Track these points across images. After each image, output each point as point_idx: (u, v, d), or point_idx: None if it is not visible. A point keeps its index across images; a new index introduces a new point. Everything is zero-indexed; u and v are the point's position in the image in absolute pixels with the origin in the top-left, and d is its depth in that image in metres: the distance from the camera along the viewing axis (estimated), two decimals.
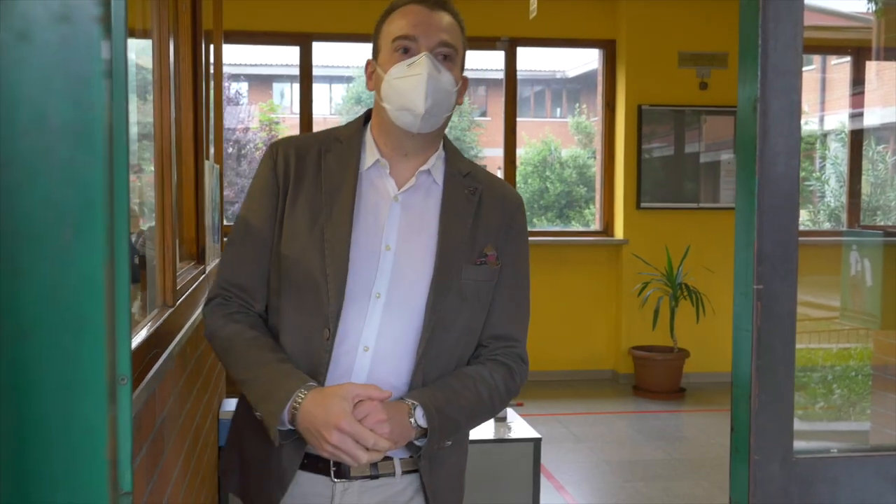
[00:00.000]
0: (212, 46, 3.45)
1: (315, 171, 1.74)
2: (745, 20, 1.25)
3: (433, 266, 1.74)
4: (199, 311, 2.56)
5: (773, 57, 1.22)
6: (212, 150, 3.37)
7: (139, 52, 2.00)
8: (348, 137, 1.79)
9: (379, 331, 1.71)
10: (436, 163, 1.83)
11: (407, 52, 1.75)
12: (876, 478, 1.25)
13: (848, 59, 7.93)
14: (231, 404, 3.40)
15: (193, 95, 2.74)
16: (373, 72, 1.82)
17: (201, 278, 2.75)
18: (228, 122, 11.87)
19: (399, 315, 1.72)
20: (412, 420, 1.66)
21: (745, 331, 1.24)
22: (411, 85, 1.71)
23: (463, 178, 1.83)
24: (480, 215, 1.81)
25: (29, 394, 0.39)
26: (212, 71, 3.38)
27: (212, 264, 3.10)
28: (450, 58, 1.78)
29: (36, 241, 0.39)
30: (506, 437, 3.58)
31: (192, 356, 2.51)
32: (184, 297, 2.27)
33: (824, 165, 10.96)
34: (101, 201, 0.40)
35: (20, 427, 0.39)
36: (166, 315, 1.97)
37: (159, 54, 2.01)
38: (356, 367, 1.71)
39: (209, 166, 3.10)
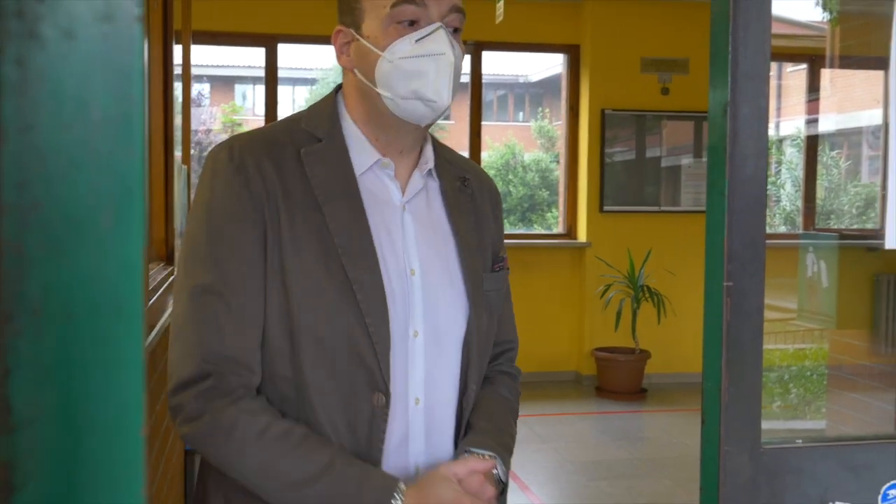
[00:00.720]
0: (180, 47, 3.44)
1: (301, 182, 1.33)
2: (715, 27, 1.29)
3: (463, 286, 1.44)
4: (168, 312, 2.56)
5: (743, 63, 1.26)
6: (178, 152, 3.37)
7: None
8: (328, 133, 1.39)
9: (425, 377, 1.40)
10: (431, 155, 1.49)
11: (414, 24, 1.35)
12: (839, 467, 1.31)
13: (804, 66, 8.08)
14: None
15: (163, 96, 2.74)
16: (349, 44, 1.42)
17: (171, 279, 2.74)
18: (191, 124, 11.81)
19: (438, 352, 1.41)
20: (496, 473, 1.43)
21: (715, 326, 1.29)
22: (430, 69, 1.33)
23: (451, 166, 1.53)
24: (477, 210, 1.53)
25: (72, 373, 0.41)
26: (180, 71, 3.37)
27: None
28: (459, 28, 1.41)
29: (79, 228, 0.42)
30: None
31: (161, 357, 2.51)
32: (155, 297, 2.28)
33: (780, 170, 11.16)
34: (139, 190, 0.43)
35: (64, 407, 0.41)
36: None
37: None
38: (412, 429, 1.39)
39: (178, 167, 3.10)
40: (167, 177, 2.77)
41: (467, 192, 1.53)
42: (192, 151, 12.60)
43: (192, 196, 1.36)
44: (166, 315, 2.55)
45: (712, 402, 1.30)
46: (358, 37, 1.39)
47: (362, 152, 1.40)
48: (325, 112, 1.43)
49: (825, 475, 1.31)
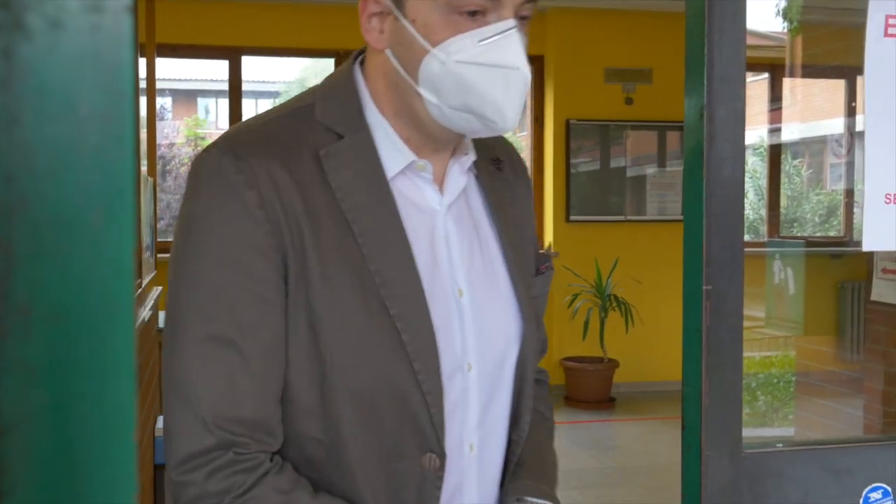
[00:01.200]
0: (144, 60, 3.41)
1: (323, 193, 1.05)
2: (691, 31, 1.30)
3: (514, 299, 1.19)
4: (137, 324, 2.52)
5: (719, 66, 1.27)
6: (143, 165, 3.34)
7: None
8: (350, 127, 1.08)
9: (479, 419, 1.15)
10: (469, 144, 1.19)
11: (477, 15, 1.03)
12: (819, 470, 1.31)
13: (765, 76, 8.19)
14: None
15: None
16: (382, 16, 1.09)
17: (138, 292, 2.71)
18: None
19: (492, 383, 1.16)
20: None
21: (694, 330, 1.29)
22: (497, 84, 1.04)
23: (481, 146, 1.22)
24: (514, 199, 1.27)
25: (62, 375, 0.40)
26: (144, 85, 3.34)
27: (147, 278, 3.05)
28: (529, 17, 1.12)
29: (67, 226, 0.40)
30: None
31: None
32: None
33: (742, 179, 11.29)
34: (129, 188, 0.42)
35: (54, 410, 0.39)
36: None
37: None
38: (466, 481, 1.15)
39: (144, 180, 3.06)
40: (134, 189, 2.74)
41: (502, 177, 1.25)
42: (156, 165, 12.43)
43: (185, 212, 1.07)
44: (137, 325, 2.51)
45: (693, 406, 1.29)
46: (399, 15, 1.06)
47: (393, 151, 1.10)
48: (344, 99, 1.11)
49: (806, 479, 1.31)
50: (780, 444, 1.33)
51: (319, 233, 1.04)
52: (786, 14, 5.93)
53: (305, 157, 1.06)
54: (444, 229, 1.13)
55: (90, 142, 0.42)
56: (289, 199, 1.03)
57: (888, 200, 1.33)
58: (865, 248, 1.34)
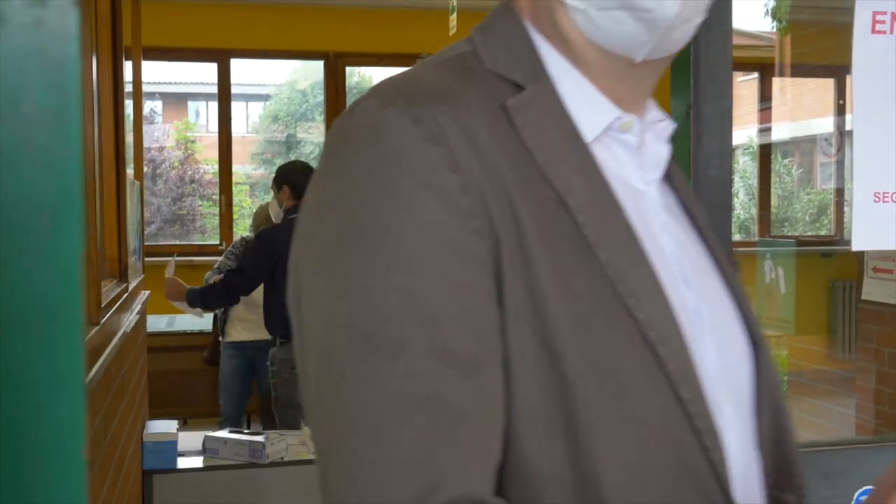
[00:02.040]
0: (130, 63, 3.39)
1: (522, 154, 0.73)
2: None
3: (736, 312, 0.85)
4: (122, 330, 2.50)
5: (705, 65, 1.25)
6: (130, 169, 3.31)
7: None
8: (530, 77, 0.78)
9: (741, 451, 0.79)
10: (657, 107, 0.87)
11: None
12: (811, 473, 1.29)
13: (755, 75, 8.21)
14: (157, 426, 3.32)
15: (114, 112, 2.68)
16: None
17: (124, 296, 2.68)
18: (143, 140, 11.66)
19: (742, 412, 0.81)
20: None
21: None
22: None
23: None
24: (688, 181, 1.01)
25: (7, 388, 0.38)
26: (129, 88, 3.32)
27: (134, 282, 3.03)
28: None
29: (12, 231, 0.38)
30: None
31: (116, 375, 2.44)
32: (109, 314, 2.21)
33: (733, 179, 11.31)
34: (77, 190, 0.39)
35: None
36: (91, 333, 1.91)
37: (80, 70, 1.95)
38: None
39: (131, 183, 3.04)
40: (119, 193, 2.71)
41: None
42: (145, 169, 12.43)
43: (328, 194, 0.73)
44: (122, 332, 2.48)
45: None
46: None
47: (587, 106, 0.79)
48: (513, 41, 0.81)
49: None
50: None
51: (536, 211, 0.71)
52: (774, 14, 5.93)
53: (488, 111, 0.73)
54: (659, 219, 0.81)
55: (36, 142, 0.40)
56: (491, 160, 0.70)
57: (877, 199, 1.31)
58: (855, 247, 1.32)
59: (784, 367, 5.05)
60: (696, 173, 1.24)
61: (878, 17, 1.30)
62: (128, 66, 3.44)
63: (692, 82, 1.24)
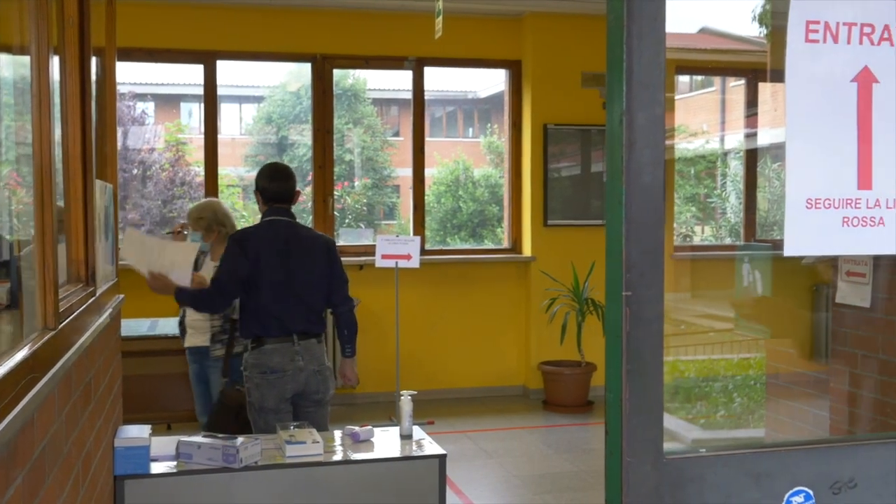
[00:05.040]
0: (96, 61, 3.38)
1: None
2: (611, 37, 1.29)
3: None
4: (88, 333, 2.50)
5: (638, 72, 1.26)
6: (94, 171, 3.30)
7: (19, 67, 1.96)
8: None
9: None
10: None
11: None
12: (739, 474, 1.30)
13: (742, 81, 8.21)
14: (129, 431, 3.32)
15: (81, 113, 2.68)
16: None
17: (91, 300, 2.68)
18: (133, 142, 11.63)
19: None
20: None
21: (615, 337, 1.28)
22: None
23: None
24: None
25: None
26: (94, 90, 3.31)
27: (104, 287, 3.03)
28: None
29: None
30: (411, 454, 3.59)
31: (80, 381, 2.44)
32: (68, 319, 2.21)
33: (725, 183, 11.31)
34: None
35: None
36: (47, 338, 1.91)
37: (38, 70, 1.96)
38: None
39: (100, 186, 3.04)
40: (86, 195, 2.71)
41: None
42: (135, 171, 12.31)
43: None
44: (87, 334, 2.48)
45: (614, 413, 1.29)
46: None
47: None
48: None
49: (727, 483, 1.31)
50: (703, 450, 1.32)
51: None
52: (762, 19, 5.94)
53: None
54: None
55: None
56: None
57: (810, 205, 1.32)
58: (787, 253, 1.33)
59: (762, 370, 5.06)
60: (629, 181, 1.25)
61: (812, 27, 1.31)
62: (97, 66, 3.43)
63: (625, 89, 1.25)
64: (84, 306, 2.53)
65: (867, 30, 1.32)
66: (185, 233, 4.76)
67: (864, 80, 1.33)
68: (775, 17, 5.66)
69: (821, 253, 1.38)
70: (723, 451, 1.32)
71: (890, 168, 1.35)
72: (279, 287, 3.97)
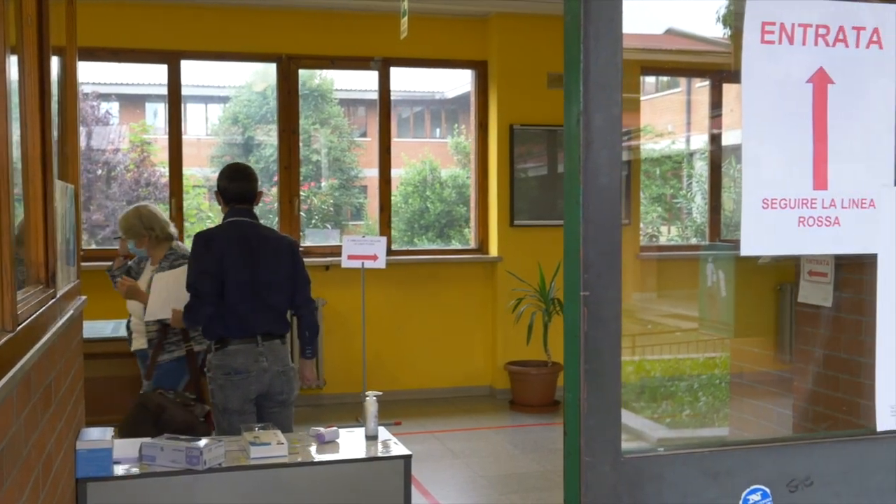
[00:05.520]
0: (57, 60, 3.35)
1: None
2: (568, 38, 1.30)
3: None
4: (47, 336, 2.47)
5: (595, 72, 1.27)
6: (56, 170, 3.26)
7: None
8: None
9: None
10: None
11: None
12: (697, 473, 1.31)
13: (707, 82, 8.28)
14: (91, 433, 3.28)
15: (40, 112, 2.65)
16: None
17: (51, 302, 2.64)
18: (98, 142, 11.51)
19: None
20: None
21: (573, 337, 1.28)
22: None
23: None
24: None
25: None
26: (56, 90, 3.28)
27: (64, 288, 2.99)
28: None
29: None
30: (376, 455, 3.58)
31: (40, 383, 2.41)
32: (27, 321, 2.18)
33: (691, 183, 11.41)
34: None
35: None
36: (4, 340, 1.89)
37: None
38: None
39: (61, 187, 3.00)
40: (46, 196, 2.67)
41: None
42: (99, 171, 12.19)
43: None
44: (47, 336, 2.45)
45: (572, 413, 1.29)
46: None
47: None
48: None
49: (685, 482, 1.31)
50: (662, 449, 1.33)
51: None
52: (725, 20, 6.00)
53: None
54: None
55: None
56: None
57: (766, 205, 1.34)
58: (743, 252, 1.35)
59: (727, 369, 5.11)
60: (586, 182, 1.26)
61: (767, 28, 1.32)
62: (56, 65, 3.39)
63: (582, 90, 1.25)
64: (43, 308, 2.50)
65: (822, 31, 1.33)
66: (125, 244, 4.71)
67: (820, 81, 1.34)
68: (737, 19, 5.72)
69: (777, 253, 1.39)
70: (681, 451, 1.33)
71: (845, 168, 1.37)
72: (243, 288, 3.95)
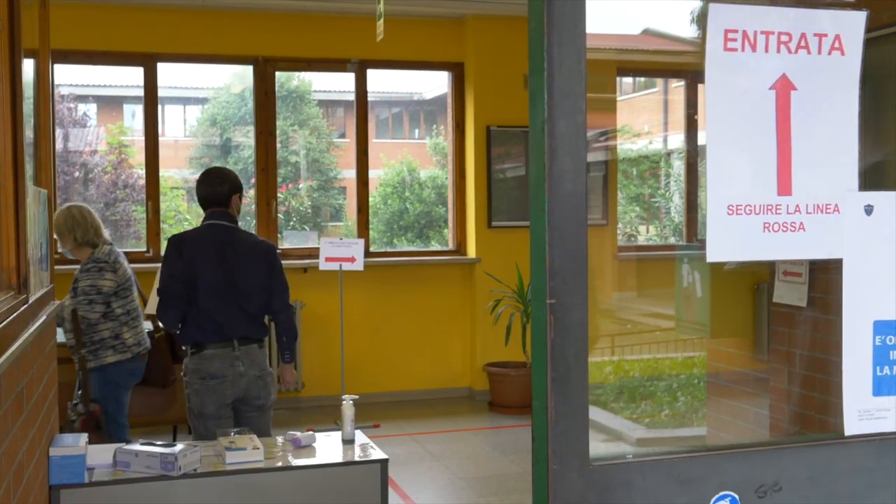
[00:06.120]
0: (32, 62, 3.32)
1: None
2: (532, 45, 1.29)
3: None
4: (19, 342, 2.44)
5: (559, 80, 1.27)
6: (29, 175, 3.24)
7: None
8: None
9: None
10: None
11: None
12: (666, 479, 1.31)
13: (682, 82, 8.32)
14: (65, 440, 3.25)
15: (12, 114, 2.62)
16: None
17: (23, 308, 2.62)
18: (75, 144, 11.42)
19: None
20: None
21: (540, 344, 1.28)
22: None
23: None
24: None
25: None
26: (33, 93, 3.25)
27: (37, 294, 2.96)
28: None
29: None
30: (353, 459, 3.57)
31: (11, 390, 2.39)
32: (3, 324, 2.16)
33: (669, 183, 11.45)
34: None
35: None
36: None
37: None
38: None
39: (34, 192, 2.97)
40: (17, 200, 2.65)
41: None
42: (76, 174, 12.12)
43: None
44: (19, 342, 2.42)
45: (540, 420, 1.29)
46: None
47: None
48: None
49: (654, 489, 1.32)
50: (630, 455, 1.33)
51: None
52: (699, 21, 6.02)
53: None
54: None
55: None
56: None
57: (731, 212, 1.34)
58: (709, 259, 1.35)
59: (703, 369, 5.13)
60: (552, 188, 1.26)
61: (730, 35, 1.33)
62: (31, 68, 3.37)
63: (546, 97, 1.25)
64: (15, 314, 2.47)
65: (784, 38, 1.34)
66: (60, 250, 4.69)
67: (783, 88, 1.35)
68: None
69: (742, 259, 1.40)
70: (649, 457, 1.33)
71: (809, 174, 1.38)
72: (218, 292, 3.93)
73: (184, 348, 4.06)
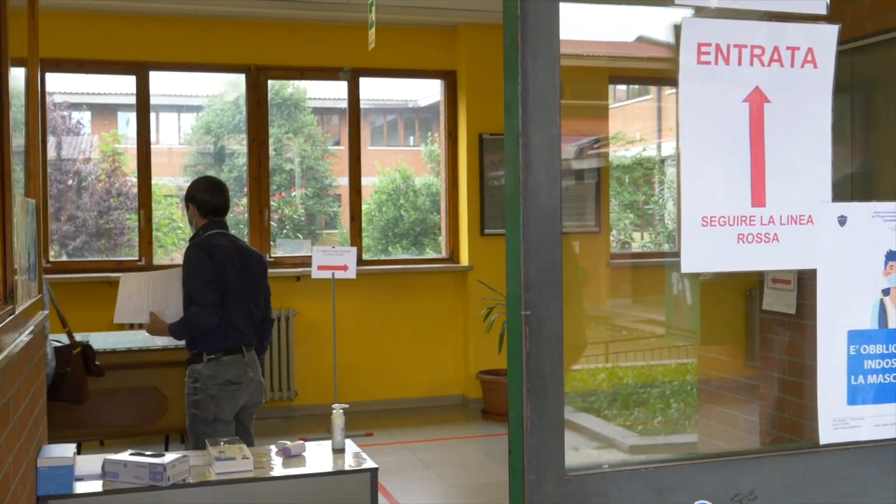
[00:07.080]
0: (22, 71, 3.33)
1: None
2: (507, 58, 1.31)
3: None
4: (5, 353, 2.45)
5: (533, 94, 1.28)
6: (17, 185, 3.24)
7: None
8: None
9: None
10: None
11: None
12: (642, 489, 1.32)
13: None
14: (53, 450, 3.25)
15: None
16: None
17: (9, 318, 2.62)
18: (68, 152, 11.42)
19: None
20: None
21: (516, 356, 1.29)
22: None
23: None
24: None
25: None
26: (20, 102, 3.25)
27: (25, 304, 2.97)
28: None
29: None
30: (343, 468, 3.57)
31: None
32: None
33: (662, 189, 11.48)
34: None
35: None
36: None
37: None
38: None
39: (21, 201, 2.98)
40: (4, 209, 2.66)
41: None
42: (70, 182, 12.10)
43: None
44: (5, 353, 2.43)
45: (516, 431, 1.30)
46: None
47: None
48: None
49: (631, 499, 1.32)
50: (606, 466, 1.34)
51: None
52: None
53: None
54: None
55: None
56: None
57: (705, 223, 1.35)
58: (684, 269, 1.36)
59: (694, 375, 5.14)
60: (527, 200, 1.27)
61: (703, 49, 1.34)
62: (21, 76, 3.37)
63: (520, 111, 1.27)
64: (3, 323, 2.48)
65: (757, 51, 1.35)
66: None
67: (756, 100, 1.36)
68: None
69: (716, 269, 1.41)
70: (625, 467, 1.34)
71: (783, 185, 1.39)
72: (238, 300, 4.01)
73: (192, 354, 4.04)
